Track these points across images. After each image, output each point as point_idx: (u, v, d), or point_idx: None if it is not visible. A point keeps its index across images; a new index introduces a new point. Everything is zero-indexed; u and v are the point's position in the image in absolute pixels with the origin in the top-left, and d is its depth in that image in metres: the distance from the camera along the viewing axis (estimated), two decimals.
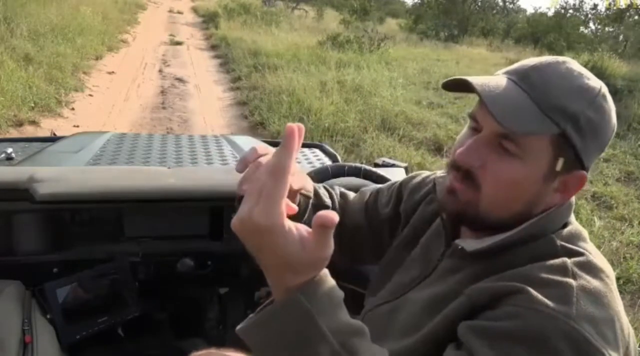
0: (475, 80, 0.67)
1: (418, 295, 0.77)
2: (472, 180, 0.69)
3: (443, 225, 0.81)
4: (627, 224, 4.13)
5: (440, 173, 0.90)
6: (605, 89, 0.69)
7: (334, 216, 0.50)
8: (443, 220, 0.81)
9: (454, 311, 0.68)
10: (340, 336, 0.55)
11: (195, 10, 18.50)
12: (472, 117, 0.72)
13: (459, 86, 0.70)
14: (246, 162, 0.63)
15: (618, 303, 0.64)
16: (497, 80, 0.68)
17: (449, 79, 0.70)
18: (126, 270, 1.29)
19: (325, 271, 0.56)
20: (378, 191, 1.02)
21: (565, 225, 0.72)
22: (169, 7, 18.84)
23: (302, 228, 0.53)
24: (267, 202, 0.50)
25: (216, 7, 16.05)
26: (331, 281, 0.57)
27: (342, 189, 1.06)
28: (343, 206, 1.01)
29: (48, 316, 1.16)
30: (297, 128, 0.53)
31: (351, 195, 1.05)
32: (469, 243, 0.73)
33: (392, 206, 0.96)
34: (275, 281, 0.55)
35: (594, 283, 0.63)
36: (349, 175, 1.26)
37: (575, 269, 0.64)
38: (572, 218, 0.74)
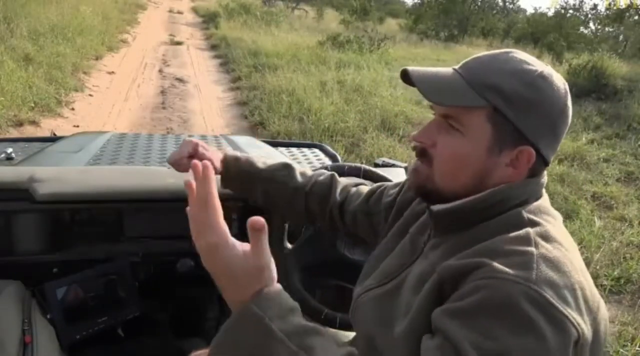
0: (415, 68, 0.77)
1: (410, 276, 0.80)
2: (427, 157, 0.77)
3: (427, 213, 0.84)
4: (627, 224, 4.13)
5: None
6: (547, 72, 0.72)
7: (261, 219, 0.59)
8: (428, 209, 0.84)
9: (429, 288, 0.70)
10: (296, 338, 0.60)
11: (195, 10, 18.49)
12: (431, 107, 0.80)
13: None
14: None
15: (580, 275, 0.66)
16: (439, 69, 0.77)
17: (402, 69, 0.78)
18: (126, 270, 1.29)
19: (276, 285, 0.64)
20: (386, 186, 1.07)
21: (536, 200, 0.75)
22: (169, 7, 18.83)
23: (245, 245, 0.62)
24: (209, 228, 0.61)
25: (216, 7, 16.06)
26: (280, 291, 0.64)
27: (350, 183, 1.15)
28: (346, 193, 1.10)
29: (48, 316, 1.16)
30: (202, 164, 0.63)
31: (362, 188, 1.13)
32: (437, 206, 0.79)
33: (394, 196, 1.01)
34: (231, 298, 0.63)
35: (554, 252, 0.66)
36: (349, 175, 1.26)
37: (538, 239, 0.67)
38: (545, 197, 0.77)
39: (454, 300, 0.64)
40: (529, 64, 0.72)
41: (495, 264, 0.63)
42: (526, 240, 0.67)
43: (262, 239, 0.61)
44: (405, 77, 0.77)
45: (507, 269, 0.62)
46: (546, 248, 0.66)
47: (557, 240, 0.69)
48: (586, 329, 0.62)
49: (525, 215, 0.71)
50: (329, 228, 1.11)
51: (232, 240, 0.62)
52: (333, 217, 1.09)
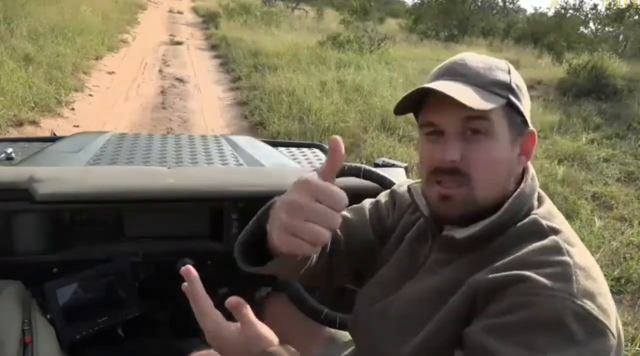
0: (436, 83, 0.72)
1: (411, 291, 0.78)
2: (461, 175, 0.72)
3: (426, 223, 0.82)
4: (627, 224, 4.12)
5: (412, 182, 0.91)
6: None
7: (234, 298, 0.66)
8: (426, 218, 0.82)
9: (457, 302, 0.69)
10: None
11: (195, 10, 18.48)
12: (428, 123, 0.75)
13: (407, 108, 0.76)
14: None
15: (602, 277, 0.67)
16: (436, 83, 0.73)
17: (410, 92, 0.73)
18: (126, 270, 1.29)
19: (277, 347, 0.67)
20: (377, 202, 0.99)
21: (539, 202, 0.75)
22: (169, 7, 18.81)
23: (237, 324, 0.68)
24: (203, 315, 0.68)
25: (216, 7, 16.05)
26: (280, 349, 0.67)
27: None
28: (346, 228, 0.94)
29: (48, 316, 1.16)
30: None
31: (347, 214, 0.97)
32: (458, 231, 0.74)
33: (391, 215, 0.96)
34: None
35: (582, 259, 0.66)
36: (349, 175, 1.26)
37: (567, 246, 0.67)
38: (542, 193, 0.77)
39: (493, 316, 0.63)
40: (493, 58, 0.77)
41: (536, 277, 0.62)
42: (557, 250, 0.66)
43: (244, 313, 0.66)
44: (403, 106, 0.75)
45: (548, 283, 0.62)
46: (576, 255, 0.66)
47: (578, 243, 0.70)
48: (617, 332, 0.64)
49: (544, 222, 0.71)
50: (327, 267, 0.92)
51: (225, 323, 0.68)
52: (339, 255, 0.92)
